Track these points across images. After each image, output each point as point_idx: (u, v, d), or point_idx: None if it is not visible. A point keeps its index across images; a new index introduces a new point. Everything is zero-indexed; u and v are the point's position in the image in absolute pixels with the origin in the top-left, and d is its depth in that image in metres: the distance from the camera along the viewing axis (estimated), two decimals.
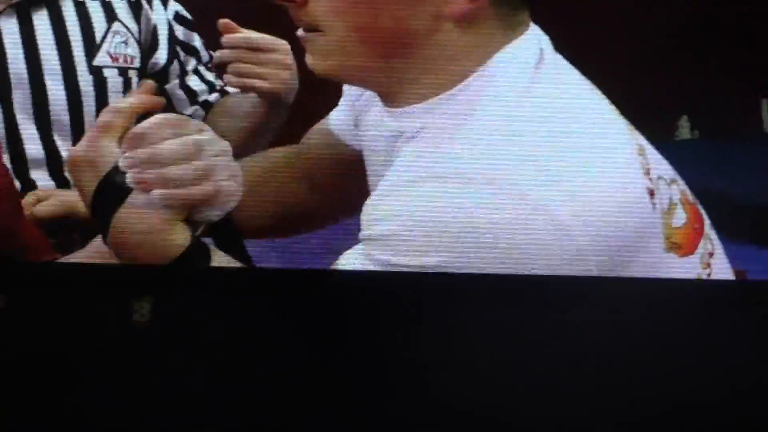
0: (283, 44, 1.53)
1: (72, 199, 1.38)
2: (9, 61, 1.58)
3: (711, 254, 1.15)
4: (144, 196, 1.10)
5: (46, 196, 1.50)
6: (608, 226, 1.03)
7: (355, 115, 1.32)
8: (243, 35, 1.55)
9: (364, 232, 1.09)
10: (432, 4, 1.08)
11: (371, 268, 1.07)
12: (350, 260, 1.10)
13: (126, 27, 1.66)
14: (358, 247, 1.10)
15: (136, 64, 1.66)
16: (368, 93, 1.24)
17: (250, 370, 1.22)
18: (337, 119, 1.36)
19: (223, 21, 1.54)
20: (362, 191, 1.20)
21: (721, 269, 1.17)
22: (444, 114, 1.09)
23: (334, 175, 1.34)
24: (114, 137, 1.12)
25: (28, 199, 1.48)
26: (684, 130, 3.45)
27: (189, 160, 1.10)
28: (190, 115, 1.68)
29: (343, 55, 1.12)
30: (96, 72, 1.62)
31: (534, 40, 1.12)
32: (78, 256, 1.21)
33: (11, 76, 1.58)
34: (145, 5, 1.69)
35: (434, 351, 1.18)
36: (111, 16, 1.65)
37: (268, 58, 1.55)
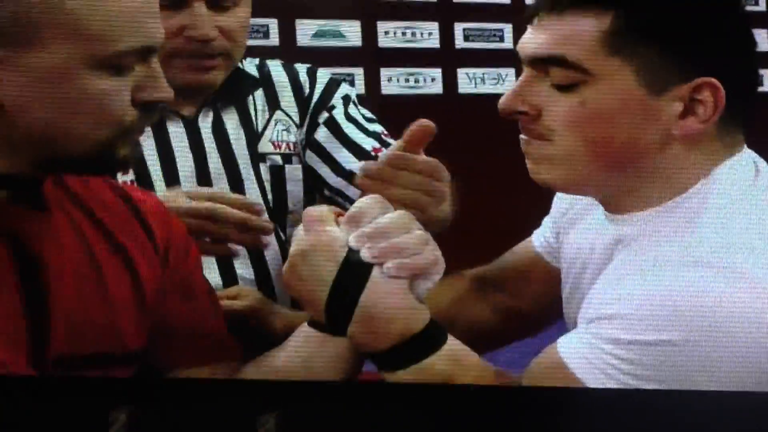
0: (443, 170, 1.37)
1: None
2: (208, 157, 1.66)
3: None
4: (379, 269, 1.14)
5: (241, 294, 1.51)
6: None
7: (557, 231, 1.41)
8: (423, 160, 1.31)
9: (594, 312, 1.16)
10: (664, 123, 1.16)
11: (604, 345, 1.13)
12: (575, 342, 1.16)
13: (287, 115, 1.71)
14: (581, 330, 1.17)
15: (299, 149, 1.71)
16: (575, 210, 1.35)
17: None
18: (541, 236, 1.45)
19: (424, 125, 1.31)
20: (548, 307, 1.37)
21: None
22: (671, 218, 1.17)
23: (529, 293, 1.44)
24: (333, 224, 1.17)
25: (230, 292, 1.51)
26: None
27: (408, 230, 1.15)
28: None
29: (571, 166, 1.19)
30: (262, 159, 1.68)
31: (750, 157, 1.22)
32: (288, 350, 1.22)
33: (211, 172, 1.65)
34: (307, 89, 1.73)
35: None
36: (274, 104, 1.71)
37: (435, 190, 1.32)
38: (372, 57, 3.35)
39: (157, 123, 1.64)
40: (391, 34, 3.42)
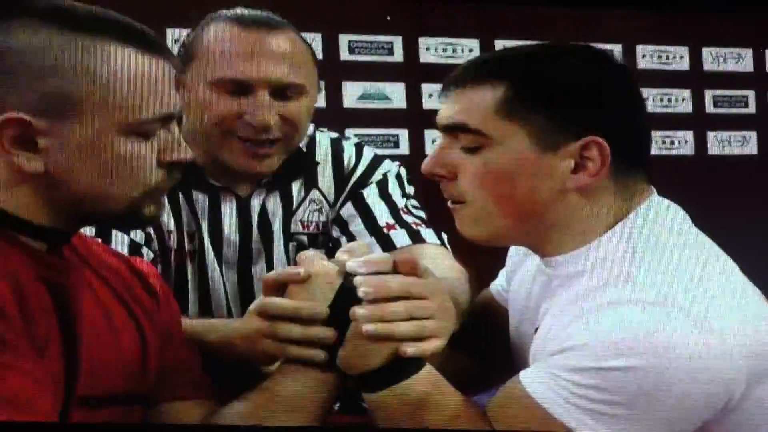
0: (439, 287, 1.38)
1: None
2: (253, 235, 1.73)
3: None
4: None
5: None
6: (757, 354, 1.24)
7: (507, 275, 1.56)
8: (403, 282, 1.33)
9: (553, 347, 1.27)
10: (558, 178, 1.31)
11: (565, 374, 1.24)
12: (536, 375, 1.27)
13: (323, 194, 1.76)
14: (541, 364, 1.28)
15: (329, 228, 1.76)
16: (518, 254, 1.52)
17: None
18: (497, 282, 1.60)
19: (406, 259, 1.37)
20: (501, 351, 1.48)
21: None
22: (598, 257, 1.32)
23: (488, 335, 1.54)
24: (326, 260, 1.35)
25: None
26: None
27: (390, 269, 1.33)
28: None
29: (486, 222, 1.34)
30: (292, 238, 1.74)
31: (662, 201, 1.37)
32: (276, 386, 1.33)
33: (253, 249, 1.72)
34: (349, 167, 1.77)
35: None
36: (312, 183, 1.76)
37: (435, 309, 1.33)
38: (416, 119, 3.39)
39: (212, 201, 1.68)
40: (435, 96, 3.46)
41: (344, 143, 1.82)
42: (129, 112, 1.21)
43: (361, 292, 1.29)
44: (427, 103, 3.45)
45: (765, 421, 1.26)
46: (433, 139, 3.43)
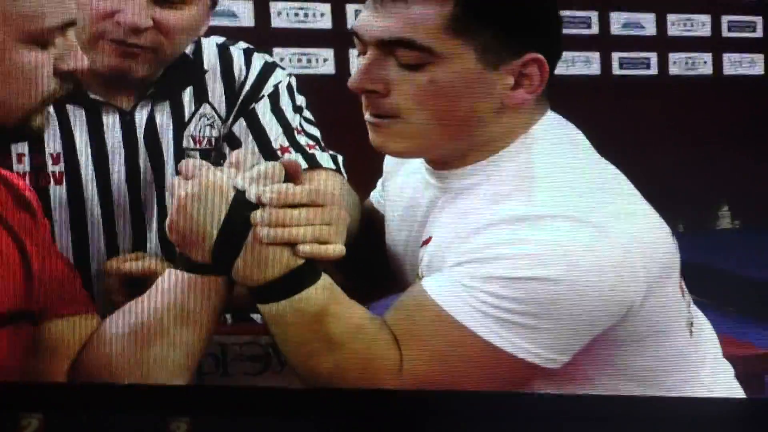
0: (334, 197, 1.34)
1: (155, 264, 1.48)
2: (139, 152, 1.64)
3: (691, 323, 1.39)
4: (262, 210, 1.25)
5: (139, 256, 1.54)
6: (658, 252, 1.30)
7: (383, 181, 1.58)
8: (308, 190, 1.30)
9: (462, 257, 1.28)
10: (498, 95, 1.32)
11: (479, 284, 1.26)
12: (445, 283, 1.28)
13: (214, 108, 1.68)
14: (449, 273, 1.28)
15: (220, 145, 1.68)
16: (391, 163, 1.53)
17: None
18: (375, 189, 1.62)
19: (290, 162, 1.34)
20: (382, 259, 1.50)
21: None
22: (497, 170, 1.33)
23: (370, 246, 1.52)
24: (214, 169, 1.28)
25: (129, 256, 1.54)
26: (725, 219, 3.63)
27: (281, 179, 1.29)
28: None
29: (419, 138, 1.33)
30: (182, 155, 1.65)
31: (555, 116, 1.39)
32: (159, 295, 1.29)
33: (141, 168, 1.64)
34: (239, 79, 1.70)
35: None
36: (202, 97, 1.68)
37: (332, 216, 1.31)
38: (265, 37, 3.35)
39: (92, 116, 1.61)
40: (283, 14, 3.43)
41: (232, 50, 1.72)
42: (31, 21, 1.17)
43: (265, 198, 1.25)
44: (276, 21, 3.42)
45: (655, 324, 1.31)
46: (281, 58, 3.41)
